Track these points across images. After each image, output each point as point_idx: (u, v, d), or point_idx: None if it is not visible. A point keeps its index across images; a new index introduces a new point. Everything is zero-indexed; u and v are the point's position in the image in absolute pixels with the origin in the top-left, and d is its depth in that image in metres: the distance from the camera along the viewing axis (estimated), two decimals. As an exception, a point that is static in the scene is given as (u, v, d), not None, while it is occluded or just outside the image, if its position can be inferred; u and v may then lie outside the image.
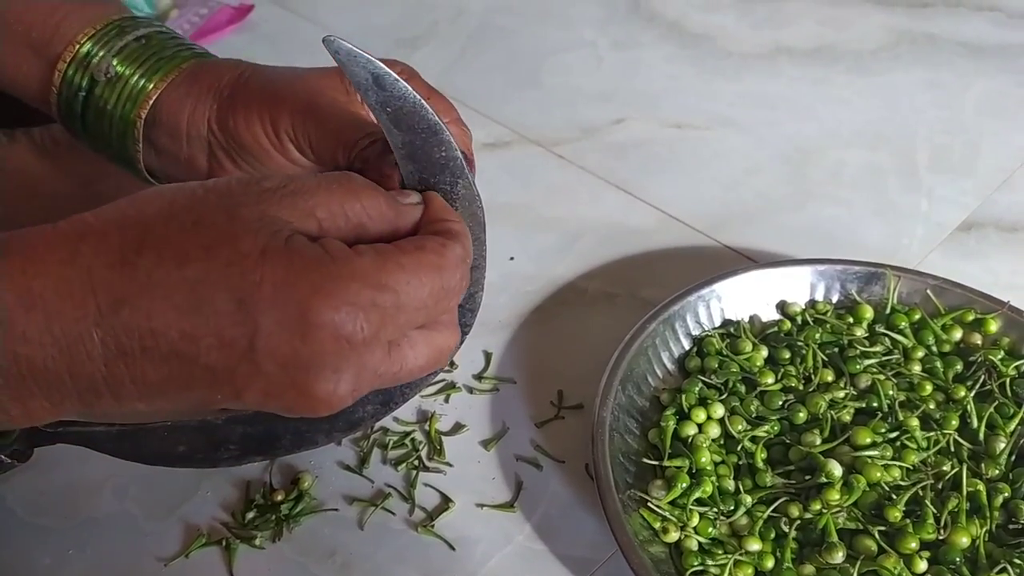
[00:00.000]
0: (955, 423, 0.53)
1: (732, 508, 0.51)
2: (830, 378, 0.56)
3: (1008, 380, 0.55)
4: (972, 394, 0.55)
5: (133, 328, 0.34)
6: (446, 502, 0.54)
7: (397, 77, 0.42)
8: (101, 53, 0.49)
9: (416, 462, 0.55)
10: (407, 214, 0.40)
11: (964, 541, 0.48)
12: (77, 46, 0.49)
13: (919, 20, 0.91)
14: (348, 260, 0.35)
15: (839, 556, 0.48)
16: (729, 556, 0.49)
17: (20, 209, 0.62)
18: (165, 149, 0.50)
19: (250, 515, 0.52)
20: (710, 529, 0.50)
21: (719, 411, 0.54)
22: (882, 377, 0.55)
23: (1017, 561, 0.47)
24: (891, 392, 0.55)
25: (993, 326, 0.58)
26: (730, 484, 0.52)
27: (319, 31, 0.46)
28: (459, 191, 0.45)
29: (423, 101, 0.43)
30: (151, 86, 0.49)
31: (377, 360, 0.36)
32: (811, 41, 0.89)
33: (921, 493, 0.50)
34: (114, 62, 0.49)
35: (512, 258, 0.68)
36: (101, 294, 0.34)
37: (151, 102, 0.49)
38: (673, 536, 0.50)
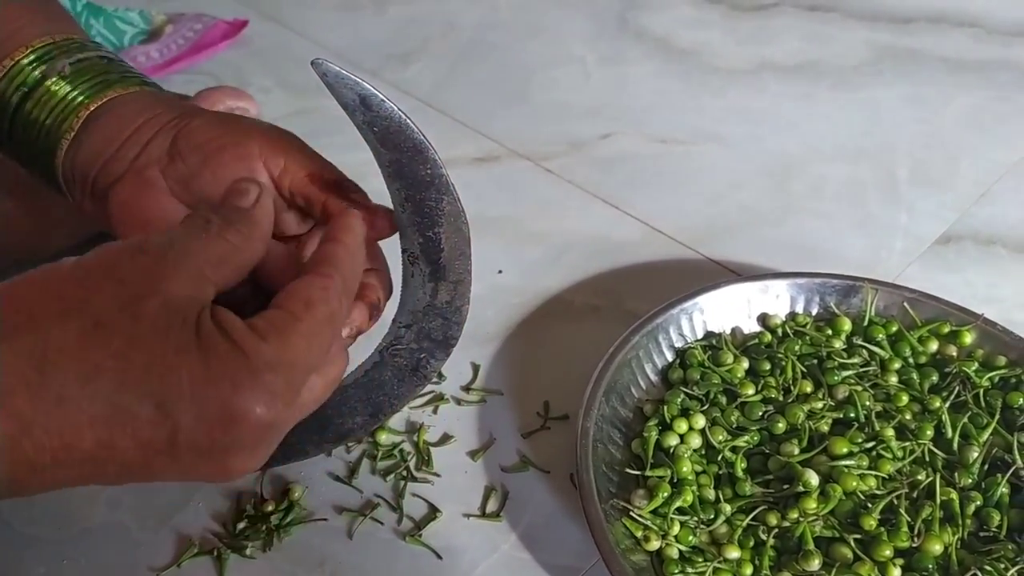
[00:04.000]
0: (930, 433, 0.54)
1: (712, 517, 0.52)
2: (809, 389, 0.57)
3: (982, 391, 0.56)
4: (947, 405, 0.56)
5: (44, 448, 0.33)
6: (433, 512, 0.55)
7: (384, 98, 0.43)
8: (40, 70, 0.48)
9: (404, 472, 0.56)
10: (261, 226, 0.40)
11: (937, 548, 0.50)
12: (11, 62, 0.48)
13: (901, 35, 0.93)
14: (257, 351, 0.35)
15: (816, 563, 0.49)
16: (709, 564, 0.50)
17: None
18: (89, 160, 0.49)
19: (241, 525, 0.53)
20: (690, 537, 0.51)
21: (700, 422, 0.55)
22: (859, 388, 0.57)
23: (987, 568, 0.48)
24: (868, 403, 0.56)
25: (968, 338, 0.60)
26: (710, 493, 0.53)
27: (312, 46, 0.48)
28: (444, 207, 0.46)
29: (409, 121, 0.44)
30: (87, 101, 0.48)
31: (287, 423, 0.38)
32: (795, 57, 0.91)
33: (896, 502, 0.51)
34: (55, 77, 0.48)
35: (500, 271, 0.69)
36: (6, 422, 0.32)
37: (82, 119, 0.48)
38: (654, 544, 0.51)
